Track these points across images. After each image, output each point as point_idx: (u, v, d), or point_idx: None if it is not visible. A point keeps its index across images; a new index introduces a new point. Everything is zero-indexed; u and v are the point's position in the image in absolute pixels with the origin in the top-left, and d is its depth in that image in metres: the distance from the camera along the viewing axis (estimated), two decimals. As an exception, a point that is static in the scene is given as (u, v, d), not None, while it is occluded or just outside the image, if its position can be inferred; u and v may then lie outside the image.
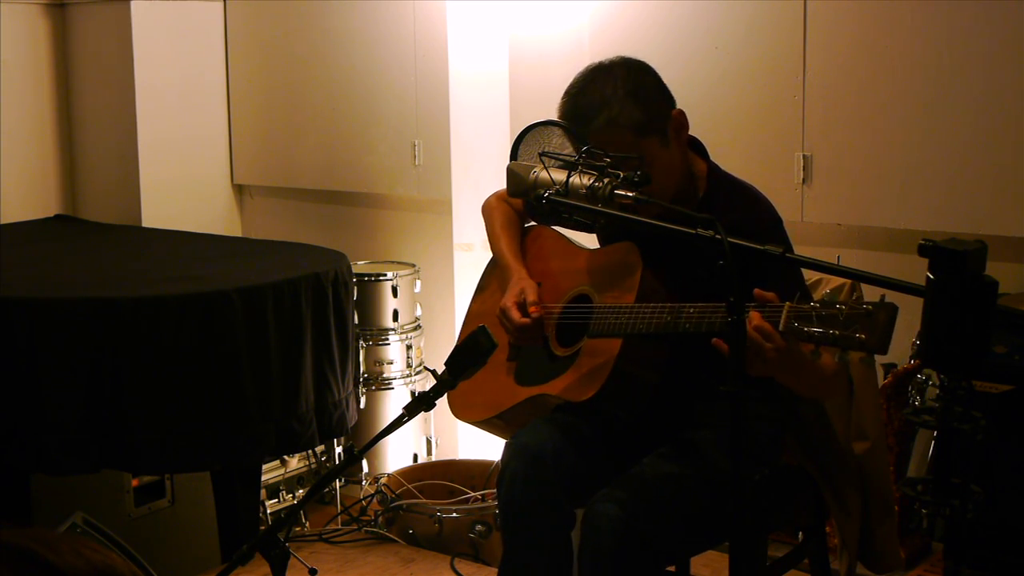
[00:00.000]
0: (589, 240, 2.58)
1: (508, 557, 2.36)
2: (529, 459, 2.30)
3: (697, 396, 2.35)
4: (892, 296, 1.77)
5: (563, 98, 2.31)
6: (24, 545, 0.89)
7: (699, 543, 2.35)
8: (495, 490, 2.56)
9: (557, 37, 3.96)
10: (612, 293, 2.31)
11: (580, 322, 2.35)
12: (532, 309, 2.41)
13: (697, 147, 2.39)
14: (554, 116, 2.40)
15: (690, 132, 2.35)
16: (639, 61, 2.32)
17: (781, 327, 1.89)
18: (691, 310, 2.08)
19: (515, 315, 2.41)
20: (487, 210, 2.70)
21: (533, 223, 2.67)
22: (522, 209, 2.65)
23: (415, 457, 4.12)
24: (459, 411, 2.59)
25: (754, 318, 1.94)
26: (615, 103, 2.22)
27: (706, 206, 2.29)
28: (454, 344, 2.23)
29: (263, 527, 3.51)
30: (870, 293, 2.39)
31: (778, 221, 2.32)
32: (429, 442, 4.17)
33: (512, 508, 2.32)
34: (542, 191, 2.14)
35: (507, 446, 2.38)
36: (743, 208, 2.31)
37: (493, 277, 2.66)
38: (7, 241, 3.98)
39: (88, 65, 4.78)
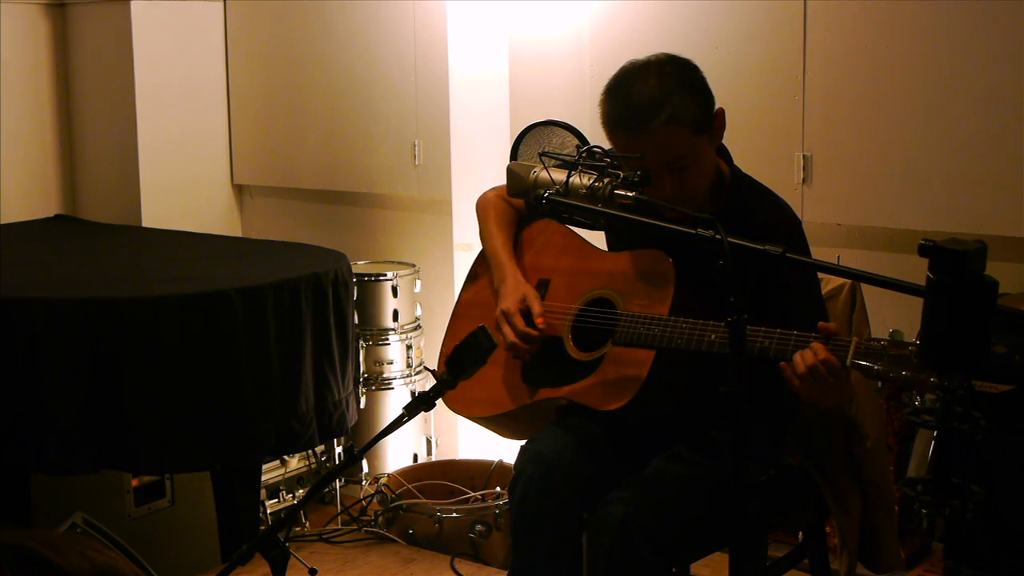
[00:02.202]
0: (593, 236, 2.56)
1: (518, 563, 2.35)
2: (545, 467, 2.28)
3: (718, 402, 2.34)
4: (892, 296, 1.77)
5: (609, 97, 2.21)
6: (27, 546, 0.89)
7: (705, 544, 2.33)
8: (507, 496, 2.53)
9: (557, 37, 3.96)
10: (640, 301, 2.26)
11: (599, 326, 2.31)
12: (539, 320, 2.35)
13: (721, 152, 2.34)
14: (554, 116, 2.39)
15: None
16: (684, 58, 2.24)
17: (848, 362, 1.88)
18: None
19: (520, 322, 2.36)
20: (482, 205, 2.63)
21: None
22: (522, 207, 2.59)
23: (415, 457, 4.12)
24: (456, 405, 2.54)
25: (819, 351, 1.92)
26: (675, 99, 2.14)
27: (733, 208, 2.26)
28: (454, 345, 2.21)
29: (263, 527, 3.51)
30: (870, 293, 2.40)
31: (799, 223, 2.32)
32: (429, 442, 4.16)
33: (525, 515, 2.30)
34: (542, 191, 2.13)
35: (522, 451, 2.35)
36: (769, 210, 2.30)
37: (485, 267, 2.60)
38: (7, 241, 3.97)
39: (88, 65, 4.78)
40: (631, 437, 2.36)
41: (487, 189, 2.69)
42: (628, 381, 2.22)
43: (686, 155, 2.16)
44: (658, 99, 2.14)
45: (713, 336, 2.08)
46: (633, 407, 2.21)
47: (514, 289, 2.43)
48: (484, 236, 2.60)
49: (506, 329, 2.38)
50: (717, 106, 2.24)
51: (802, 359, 1.93)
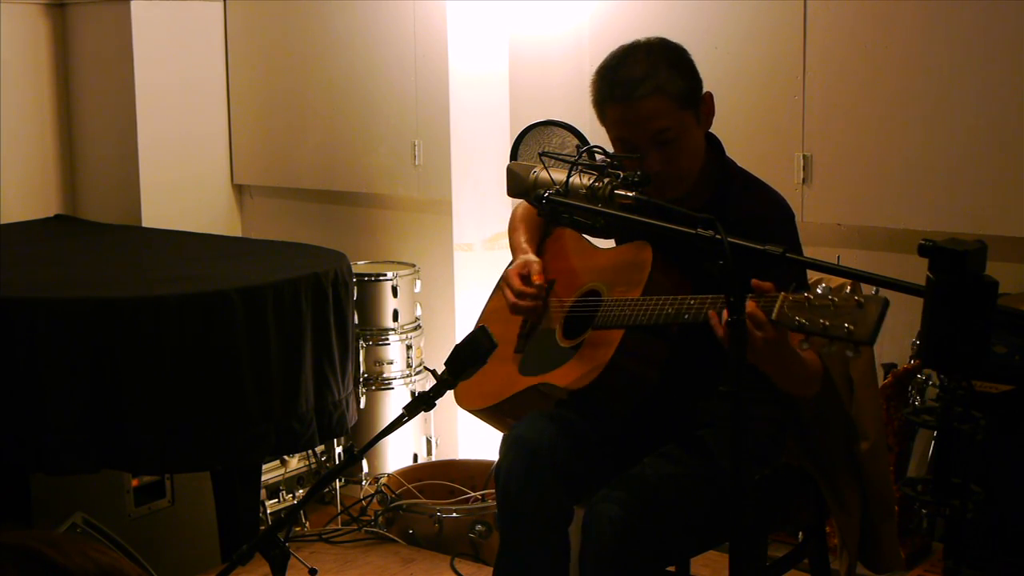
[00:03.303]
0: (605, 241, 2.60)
1: (505, 551, 2.36)
2: (525, 453, 2.30)
3: (699, 396, 2.36)
4: (892, 296, 1.77)
5: (600, 72, 2.29)
6: (31, 546, 0.89)
7: (701, 543, 2.35)
8: (494, 487, 2.57)
9: (557, 37, 3.96)
10: (621, 288, 2.33)
11: (586, 315, 2.37)
12: (536, 278, 2.44)
13: (713, 143, 2.39)
14: (554, 116, 2.39)
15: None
16: (675, 42, 2.32)
17: (774, 315, 1.89)
18: (692, 301, 2.09)
19: (517, 282, 2.45)
20: (513, 212, 2.74)
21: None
22: None
23: (415, 457, 4.13)
24: (461, 399, 2.59)
25: (748, 306, 1.94)
26: (661, 72, 2.22)
27: (722, 198, 2.30)
28: (454, 344, 2.23)
29: (263, 527, 3.51)
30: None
31: (791, 216, 2.33)
32: (429, 442, 4.17)
33: (509, 502, 2.32)
34: (542, 191, 2.15)
35: (503, 440, 2.38)
36: (759, 201, 2.32)
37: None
38: (7, 241, 3.97)
39: (88, 65, 4.78)
40: (617, 431, 2.39)
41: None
42: (598, 359, 2.27)
43: (671, 127, 2.22)
44: (645, 72, 2.22)
45: (670, 309, 2.12)
46: (602, 385, 2.25)
47: (519, 259, 2.54)
48: (509, 233, 2.69)
49: (506, 291, 2.47)
50: (706, 90, 2.30)
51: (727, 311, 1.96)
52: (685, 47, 2.31)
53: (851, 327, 1.75)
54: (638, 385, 2.29)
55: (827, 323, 1.78)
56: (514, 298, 2.45)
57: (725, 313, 1.94)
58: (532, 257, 2.52)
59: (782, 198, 2.36)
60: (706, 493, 2.21)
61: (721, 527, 2.20)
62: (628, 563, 2.14)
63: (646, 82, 2.21)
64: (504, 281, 2.48)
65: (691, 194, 2.28)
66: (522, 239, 2.61)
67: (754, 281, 1.94)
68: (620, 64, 2.26)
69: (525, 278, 2.47)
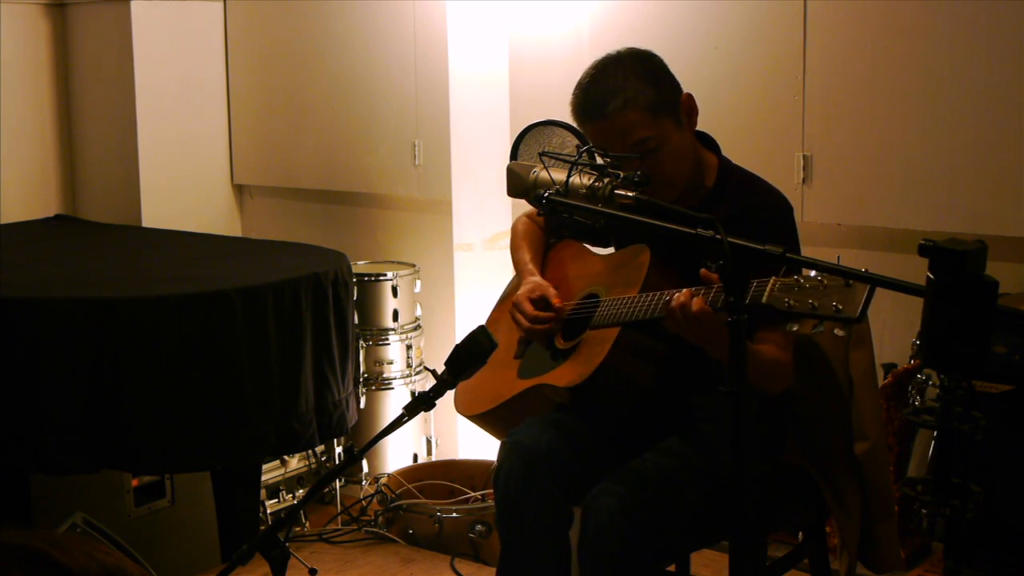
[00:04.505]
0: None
1: (506, 555, 2.36)
2: (524, 456, 2.30)
3: (694, 392, 2.36)
4: (892, 296, 1.77)
5: (575, 91, 2.33)
6: (34, 546, 0.89)
7: (700, 539, 2.35)
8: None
9: (557, 37, 3.96)
10: (618, 289, 2.34)
11: (586, 317, 2.38)
12: (556, 301, 2.44)
13: (708, 142, 2.41)
14: (554, 116, 2.39)
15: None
16: (645, 50, 2.36)
17: (765, 299, 1.89)
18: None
19: (528, 307, 2.44)
20: (514, 228, 2.75)
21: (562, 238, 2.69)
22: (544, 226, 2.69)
23: (415, 457, 4.13)
24: (461, 406, 2.60)
25: (683, 295, 2.01)
26: (630, 86, 2.25)
27: (716, 196, 2.32)
28: (454, 344, 2.23)
29: (263, 527, 3.51)
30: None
31: (789, 210, 2.34)
32: (429, 442, 4.17)
33: (508, 506, 2.32)
34: (542, 191, 2.15)
35: (502, 445, 2.39)
36: (753, 197, 2.33)
37: (514, 286, 2.70)
38: (7, 241, 3.97)
39: (88, 65, 4.78)
40: (614, 431, 2.39)
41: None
42: (593, 356, 2.29)
43: (651, 137, 2.25)
44: (614, 87, 2.26)
45: (664, 301, 2.13)
46: (598, 381, 2.25)
47: (528, 283, 2.53)
48: (512, 251, 2.70)
49: (518, 316, 2.46)
50: (686, 91, 2.32)
51: (678, 298, 2.05)
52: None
53: (840, 305, 1.76)
54: (634, 383, 2.30)
55: (816, 303, 1.78)
56: (528, 323, 2.45)
57: (697, 300, 2.02)
58: (542, 280, 2.52)
59: (779, 192, 2.37)
60: (705, 486, 2.21)
61: (720, 522, 2.20)
62: (626, 555, 2.14)
63: (616, 98, 2.24)
64: (515, 307, 2.48)
65: (686, 192, 2.30)
66: (527, 258, 2.62)
67: (702, 272, 1.96)
68: (591, 82, 2.30)
69: (537, 302, 2.46)
